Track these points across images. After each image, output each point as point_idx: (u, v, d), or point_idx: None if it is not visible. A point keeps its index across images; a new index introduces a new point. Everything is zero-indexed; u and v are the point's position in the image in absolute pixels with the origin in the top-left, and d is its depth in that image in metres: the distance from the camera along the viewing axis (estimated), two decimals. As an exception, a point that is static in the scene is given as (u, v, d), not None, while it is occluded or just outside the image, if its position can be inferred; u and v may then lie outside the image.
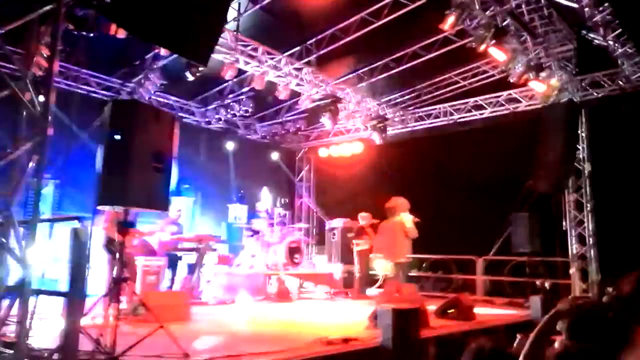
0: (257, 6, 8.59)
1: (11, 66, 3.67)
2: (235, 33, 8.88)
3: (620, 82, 9.71)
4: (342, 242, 11.58)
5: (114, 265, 6.49)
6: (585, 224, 9.94)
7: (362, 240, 10.48)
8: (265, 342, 5.21)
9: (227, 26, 8.64)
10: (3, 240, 3.41)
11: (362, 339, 5.44)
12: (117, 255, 4.87)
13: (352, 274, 11.02)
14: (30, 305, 3.28)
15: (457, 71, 11.35)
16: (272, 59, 9.88)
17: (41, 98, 3.46)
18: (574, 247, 9.92)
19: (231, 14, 8.41)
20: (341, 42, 9.83)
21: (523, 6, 8.41)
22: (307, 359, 4.67)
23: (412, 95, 12.51)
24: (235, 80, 10.64)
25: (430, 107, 12.58)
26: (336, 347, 5.09)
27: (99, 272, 8.05)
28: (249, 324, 6.84)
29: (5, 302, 3.52)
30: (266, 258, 10.59)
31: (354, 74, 11.44)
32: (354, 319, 7.12)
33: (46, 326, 5.17)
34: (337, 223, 12.08)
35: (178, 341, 4.52)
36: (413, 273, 12.25)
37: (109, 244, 6.85)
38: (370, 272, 10.29)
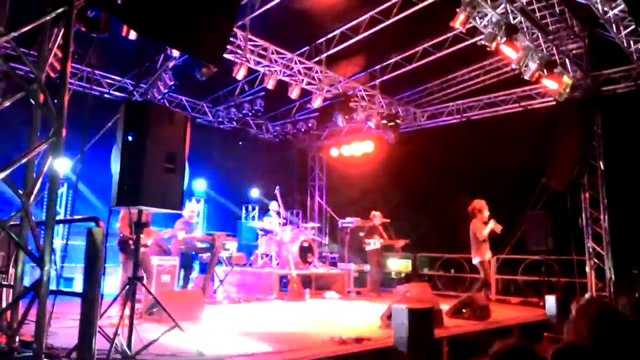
0: (267, 6, 8.61)
1: (25, 68, 3.71)
2: (245, 33, 8.91)
3: (636, 78, 9.60)
4: (354, 241, 11.56)
5: (128, 264, 6.58)
6: (601, 222, 9.82)
7: (374, 239, 10.45)
8: (278, 341, 5.22)
9: (236, 26, 8.68)
10: (20, 241, 3.45)
11: (376, 338, 5.43)
12: (132, 254, 4.90)
13: (364, 273, 11.00)
14: (48, 305, 3.32)
15: (469, 69, 11.29)
16: (283, 58, 9.90)
17: (55, 100, 3.50)
18: (589, 245, 9.81)
19: (241, 13, 8.44)
20: (351, 41, 9.82)
21: (534, 3, 8.35)
22: (320, 358, 4.67)
23: (424, 93, 12.48)
24: (246, 80, 10.67)
25: (442, 105, 12.54)
26: (349, 346, 5.08)
27: (116, 272, 8.17)
28: (262, 323, 6.85)
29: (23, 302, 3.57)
30: (279, 257, 10.61)
31: (365, 72, 11.43)
32: (367, 318, 7.11)
33: (63, 326, 5.23)
34: (349, 222, 12.07)
35: (192, 340, 4.54)
36: (425, 271, 12.25)
37: (123, 244, 6.91)
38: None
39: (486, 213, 8.05)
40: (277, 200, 11.17)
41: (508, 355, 1.78)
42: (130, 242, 6.57)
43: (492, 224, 7.98)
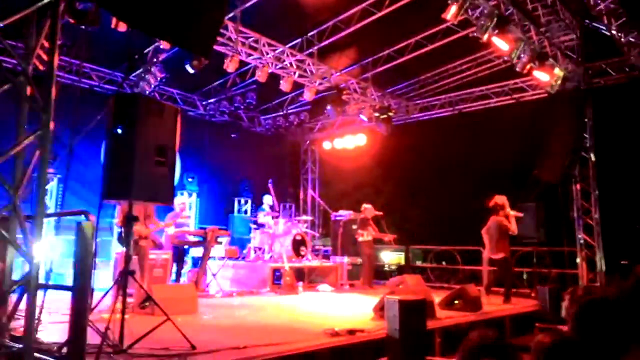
0: (259, -2, 8.55)
1: (12, 60, 3.66)
2: (236, 25, 8.85)
3: (626, 70, 9.64)
4: (347, 234, 11.57)
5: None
6: (592, 213, 9.89)
7: (366, 232, 10.46)
8: (271, 334, 5.21)
9: (227, 18, 8.61)
10: (8, 235, 3.42)
11: (368, 330, 5.44)
12: (132, 248, 4.88)
13: (357, 265, 11.02)
14: (38, 299, 3.29)
15: (461, 61, 11.29)
16: (274, 50, 9.84)
17: (43, 92, 3.45)
18: (580, 237, 9.89)
19: (232, 5, 8.37)
20: (343, 34, 9.78)
21: (526, -6, 8.36)
22: (313, 350, 4.67)
23: (416, 85, 12.47)
24: (237, 72, 10.61)
25: (434, 98, 12.54)
26: (342, 338, 5.09)
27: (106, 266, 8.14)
28: (255, 316, 6.85)
29: (13, 297, 3.54)
30: (272, 251, 10.60)
31: (357, 65, 11.39)
32: (360, 310, 7.13)
33: (54, 320, 5.20)
34: (342, 215, 12.07)
35: (185, 334, 4.53)
36: (418, 264, 12.31)
37: (122, 238, 6.86)
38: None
39: (507, 208, 8.22)
40: (270, 194, 11.14)
41: (482, 350, 1.78)
42: (136, 236, 6.64)
43: (513, 215, 8.14)
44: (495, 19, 7.75)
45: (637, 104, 9.22)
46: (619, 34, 8.39)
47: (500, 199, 8.37)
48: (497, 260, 8.39)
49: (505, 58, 8.76)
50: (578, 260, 9.81)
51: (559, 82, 9.11)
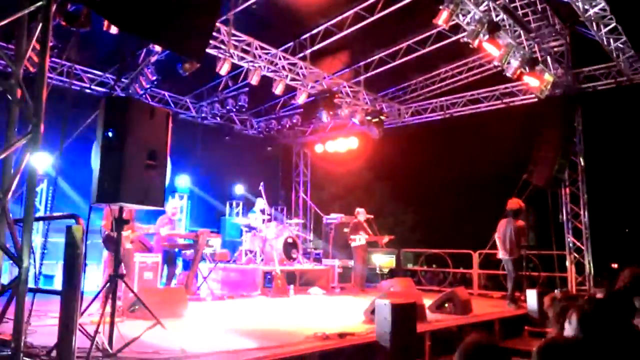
0: (251, 1, 8.56)
1: (3, 62, 3.65)
2: (228, 28, 8.85)
3: (615, 76, 9.76)
4: (338, 237, 11.59)
5: (113, 261, 6.51)
6: (581, 217, 9.99)
7: (358, 236, 10.49)
8: (262, 338, 5.21)
9: (220, 21, 8.62)
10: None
11: (359, 333, 5.46)
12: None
13: (348, 269, 11.04)
14: (27, 303, 3.27)
15: (452, 65, 11.37)
16: (267, 54, 9.86)
17: (33, 95, 3.44)
18: (569, 240, 9.98)
19: (224, 8, 8.38)
20: (335, 37, 9.82)
21: (516, 1, 8.45)
22: (304, 354, 4.68)
23: (408, 89, 12.54)
24: (230, 75, 10.61)
25: (426, 102, 12.61)
26: (333, 342, 5.10)
27: (99, 269, 8.09)
28: (246, 320, 6.84)
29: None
30: (263, 254, 10.59)
31: (349, 69, 11.44)
32: (351, 313, 7.14)
33: (43, 324, 5.17)
34: (334, 218, 12.09)
35: (175, 337, 4.52)
36: (409, 267, 12.35)
37: (107, 241, 6.84)
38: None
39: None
40: (262, 197, 11.13)
41: (476, 352, 1.81)
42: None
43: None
44: (486, 25, 7.82)
45: (625, 110, 9.35)
46: (608, 40, 8.50)
47: (514, 201, 8.55)
48: (505, 260, 8.63)
49: (496, 63, 8.83)
50: (567, 263, 9.90)
51: (548, 87, 9.20)
